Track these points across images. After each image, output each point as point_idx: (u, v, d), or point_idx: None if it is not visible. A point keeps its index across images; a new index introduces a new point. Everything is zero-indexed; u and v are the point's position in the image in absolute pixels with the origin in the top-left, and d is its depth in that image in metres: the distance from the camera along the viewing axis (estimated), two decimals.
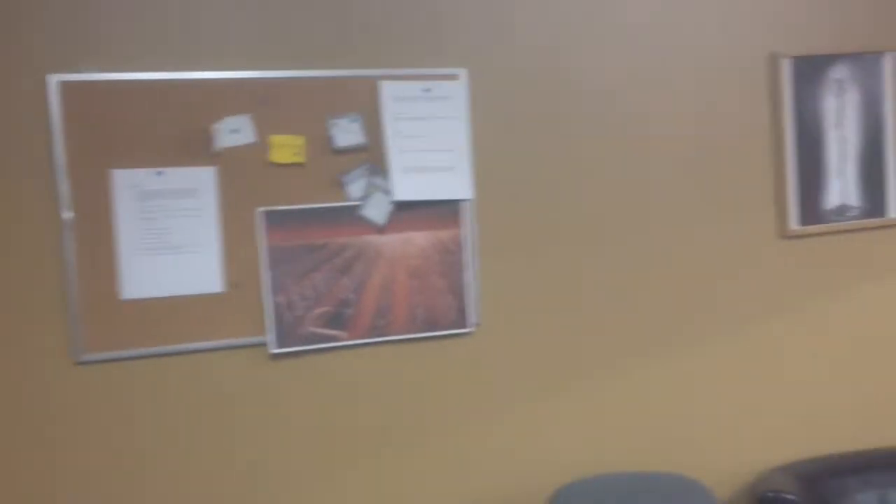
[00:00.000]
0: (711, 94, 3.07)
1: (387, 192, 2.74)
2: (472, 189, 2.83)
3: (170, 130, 2.56)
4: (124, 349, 2.55)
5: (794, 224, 3.16)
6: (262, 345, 2.67)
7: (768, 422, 3.19)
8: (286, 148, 2.64)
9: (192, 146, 2.57)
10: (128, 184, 2.53)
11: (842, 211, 3.21)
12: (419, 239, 2.78)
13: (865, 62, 3.21)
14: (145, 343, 2.56)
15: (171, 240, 2.57)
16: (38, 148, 2.47)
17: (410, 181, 2.75)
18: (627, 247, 3.01)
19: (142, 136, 2.54)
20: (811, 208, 3.18)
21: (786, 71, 3.13)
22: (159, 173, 2.55)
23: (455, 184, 2.80)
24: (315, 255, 2.69)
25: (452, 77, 2.80)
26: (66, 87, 2.47)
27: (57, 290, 2.49)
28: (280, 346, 2.67)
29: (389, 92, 2.73)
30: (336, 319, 2.71)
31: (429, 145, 2.77)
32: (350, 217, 2.72)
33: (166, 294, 2.57)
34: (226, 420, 2.66)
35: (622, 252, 3.00)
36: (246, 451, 2.68)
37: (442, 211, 2.80)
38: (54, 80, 2.46)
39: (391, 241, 2.75)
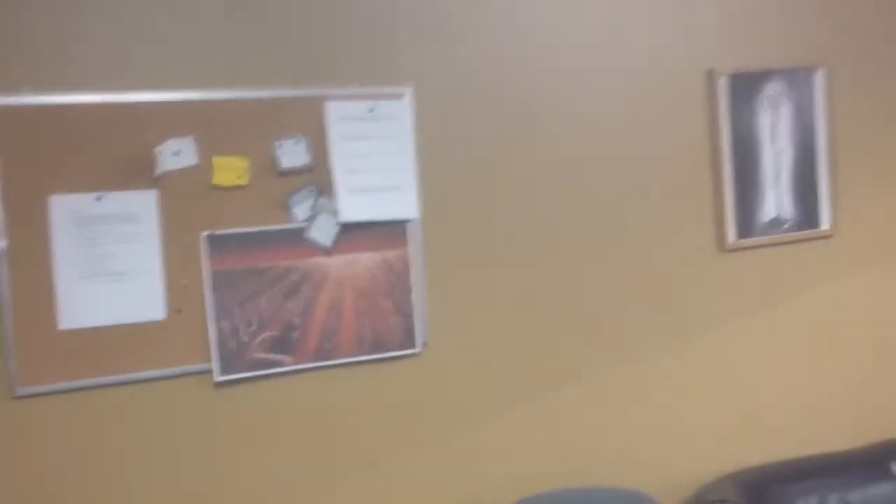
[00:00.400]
0: (651, 112, 3.11)
1: (333, 213, 2.70)
2: (419, 208, 2.80)
3: (109, 154, 2.47)
4: (63, 381, 2.45)
5: (731, 237, 3.22)
6: (207, 372, 2.60)
7: (711, 432, 3.23)
8: (229, 170, 2.58)
9: (132, 169, 2.49)
10: (66, 210, 2.43)
11: (777, 223, 3.28)
12: (366, 260, 2.74)
13: (798, 78, 3.29)
14: (85, 374, 2.47)
15: (112, 266, 2.48)
16: None
17: (356, 202, 2.72)
18: (571, 263, 3.02)
19: (80, 161, 2.45)
20: (748, 221, 3.24)
21: (722, 87, 3.18)
22: (99, 198, 2.47)
23: (401, 203, 2.78)
24: (260, 279, 2.63)
25: (398, 96, 2.77)
26: (1, 110, 2.37)
27: None
28: (225, 374, 2.60)
29: (334, 112, 2.69)
30: (282, 344, 2.66)
31: (374, 165, 2.74)
32: (296, 239, 2.67)
33: (106, 323, 2.48)
34: (171, 450, 2.58)
35: (566, 269, 3.02)
36: (192, 481, 2.60)
37: (388, 231, 2.77)
38: None
39: (337, 263, 2.71)
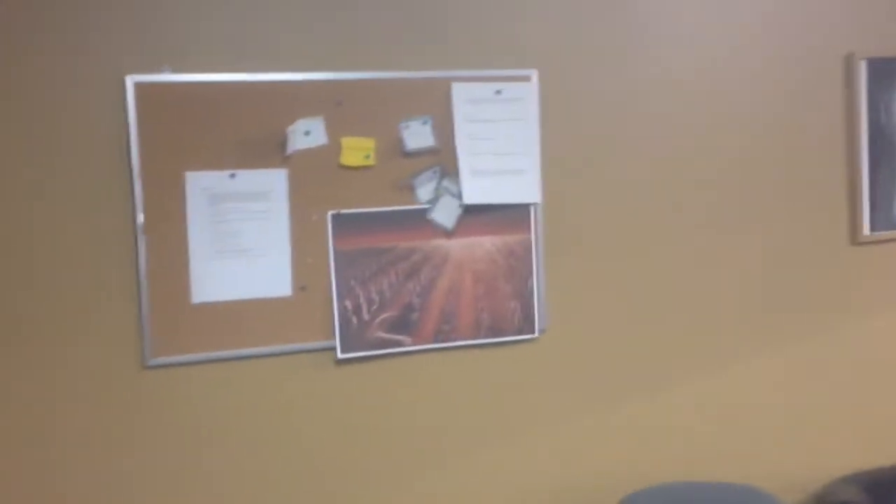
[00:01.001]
0: (786, 96, 3.01)
1: (456, 195, 2.69)
2: (541, 193, 2.77)
3: (243, 132, 2.52)
4: (192, 353, 2.52)
5: (865, 230, 3.09)
6: (329, 350, 2.63)
7: (834, 430, 3.13)
8: (357, 150, 2.60)
9: (264, 148, 2.53)
10: (201, 186, 2.49)
11: None
12: (486, 243, 2.73)
13: None
14: (213, 347, 2.53)
15: (242, 243, 2.53)
16: (113, 150, 2.45)
17: (480, 184, 2.71)
18: (694, 254, 2.95)
19: (215, 138, 2.50)
20: (883, 213, 3.12)
21: (862, 72, 3.05)
22: (232, 175, 2.52)
23: (524, 187, 2.75)
24: (382, 259, 2.65)
25: (525, 78, 2.74)
26: (142, 88, 2.44)
27: (128, 294, 2.47)
28: (346, 352, 2.63)
29: (461, 93, 2.68)
30: (401, 324, 2.67)
31: (499, 148, 2.72)
32: (419, 221, 2.67)
33: (235, 298, 2.54)
34: (292, 425, 2.63)
35: (690, 257, 2.95)
36: (311, 456, 2.65)
37: (510, 215, 2.75)
38: (131, 81, 2.43)
39: (458, 246, 2.70)
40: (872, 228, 3.11)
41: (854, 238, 3.10)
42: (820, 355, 3.10)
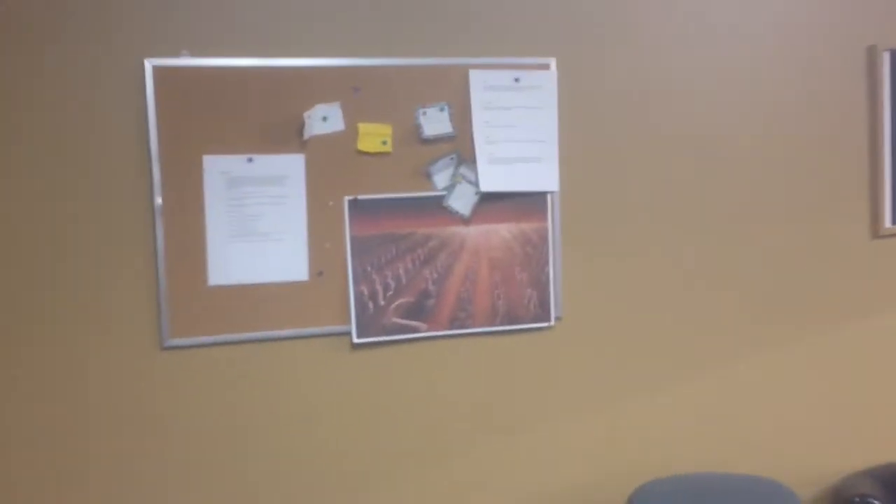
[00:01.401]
0: (808, 88, 2.99)
1: (473, 182, 2.70)
2: (559, 181, 2.77)
3: (261, 117, 2.54)
4: (209, 335, 2.54)
5: (887, 223, 3.06)
6: (344, 334, 2.65)
7: (853, 424, 3.11)
8: (374, 136, 2.61)
9: (282, 133, 2.55)
10: (218, 170, 2.52)
11: None
12: (503, 230, 2.73)
13: None
14: (230, 329, 2.56)
15: (259, 227, 2.56)
16: (132, 133, 2.48)
17: (496, 172, 2.71)
18: (715, 243, 2.94)
19: (233, 123, 2.52)
20: None
21: (884, 64, 3.02)
22: (250, 160, 2.54)
23: (542, 175, 2.75)
24: (399, 245, 2.66)
25: (543, 66, 2.74)
26: (161, 72, 2.47)
27: (146, 275, 2.50)
28: (361, 336, 2.65)
29: (479, 81, 2.68)
30: (417, 310, 2.68)
31: (516, 136, 2.72)
32: (435, 207, 2.68)
33: (252, 281, 2.56)
34: (307, 408, 2.65)
35: (708, 249, 2.94)
36: (326, 438, 2.67)
37: (527, 203, 2.75)
38: (150, 65, 2.45)
39: (475, 233, 2.71)
40: (894, 221, 3.07)
41: (875, 231, 3.07)
42: (840, 350, 3.07)
